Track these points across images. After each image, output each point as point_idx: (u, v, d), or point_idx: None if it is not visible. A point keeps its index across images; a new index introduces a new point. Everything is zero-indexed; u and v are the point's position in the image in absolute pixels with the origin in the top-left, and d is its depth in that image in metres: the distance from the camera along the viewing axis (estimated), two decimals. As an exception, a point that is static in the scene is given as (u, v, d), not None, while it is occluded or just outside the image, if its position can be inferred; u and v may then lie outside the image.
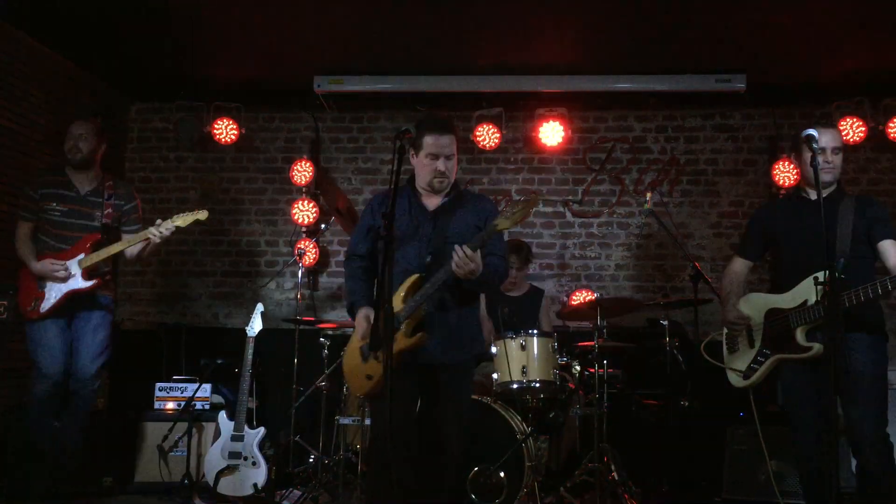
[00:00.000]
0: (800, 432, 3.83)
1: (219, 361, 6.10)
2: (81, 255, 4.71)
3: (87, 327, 4.83)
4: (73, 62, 6.62)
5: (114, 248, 4.71)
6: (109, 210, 4.79)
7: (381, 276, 3.17)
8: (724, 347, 4.11)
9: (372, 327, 3.25)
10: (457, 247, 3.40)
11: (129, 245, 4.71)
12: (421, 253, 3.61)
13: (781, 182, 6.78)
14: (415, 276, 3.56)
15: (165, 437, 5.70)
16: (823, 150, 3.80)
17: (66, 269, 4.67)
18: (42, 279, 4.74)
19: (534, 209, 3.59)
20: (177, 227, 4.68)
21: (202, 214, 4.73)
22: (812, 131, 3.62)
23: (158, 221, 4.65)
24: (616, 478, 5.12)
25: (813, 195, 3.86)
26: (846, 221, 3.78)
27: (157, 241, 4.66)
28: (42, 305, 4.70)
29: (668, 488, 5.51)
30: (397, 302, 3.55)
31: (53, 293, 4.72)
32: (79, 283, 4.70)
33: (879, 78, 6.51)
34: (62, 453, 4.82)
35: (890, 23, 5.65)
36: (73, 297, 4.73)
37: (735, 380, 4.04)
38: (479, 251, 3.41)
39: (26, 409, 5.20)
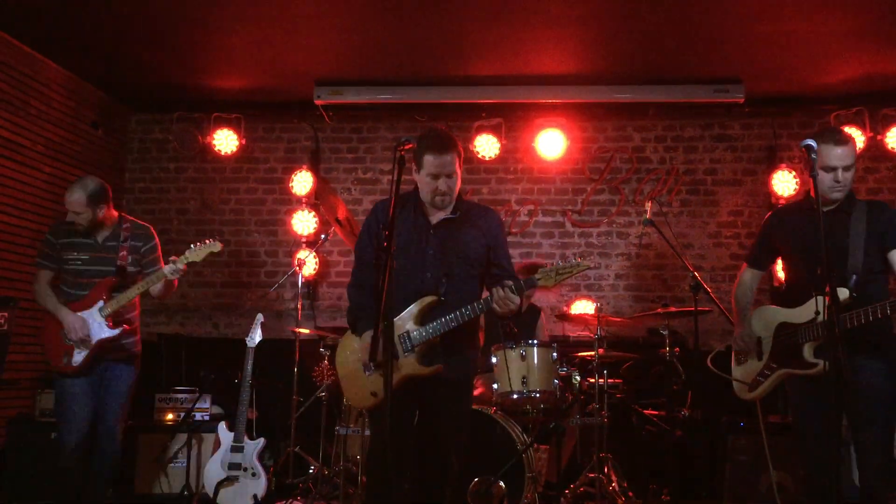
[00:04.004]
0: (806, 445, 3.76)
1: (219, 372, 6.10)
2: (101, 303, 4.53)
3: (116, 379, 4.62)
4: (74, 73, 6.64)
5: (133, 292, 4.58)
6: (124, 252, 4.62)
7: (380, 289, 3.15)
8: (733, 358, 4.08)
9: (372, 341, 3.23)
10: (499, 289, 3.45)
11: (147, 287, 4.57)
12: (425, 267, 3.60)
13: (780, 192, 6.80)
14: (431, 299, 3.56)
15: (165, 449, 5.70)
16: (834, 168, 3.66)
17: (88, 335, 4.48)
18: (60, 329, 4.52)
19: (582, 272, 3.66)
20: (189, 262, 4.57)
21: (216, 247, 4.64)
22: (810, 142, 3.44)
23: (173, 259, 4.55)
24: (616, 488, 5.11)
25: (824, 206, 3.70)
26: (858, 234, 3.67)
27: (173, 278, 4.56)
28: (74, 359, 4.50)
29: (669, 498, 5.49)
30: (409, 320, 3.55)
31: (81, 347, 4.52)
32: (105, 331, 4.51)
33: (877, 88, 6.54)
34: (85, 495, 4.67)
35: (887, 33, 5.68)
36: (102, 347, 4.53)
37: (741, 391, 4.01)
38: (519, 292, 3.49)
39: (27, 423, 5.12)
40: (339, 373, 3.78)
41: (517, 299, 3.48)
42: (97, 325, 4.51)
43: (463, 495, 4.50)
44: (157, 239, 4.83)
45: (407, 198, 3.71)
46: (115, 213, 4.74)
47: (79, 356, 4.50)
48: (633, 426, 5.94)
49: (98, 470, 4.65)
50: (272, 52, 6.25)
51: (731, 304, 4.19)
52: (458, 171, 3.65)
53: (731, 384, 4.07)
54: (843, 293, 3.55)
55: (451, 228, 3.66)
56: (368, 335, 3.30)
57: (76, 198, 4.54)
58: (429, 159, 3.58)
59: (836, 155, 3.67)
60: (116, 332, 4.53)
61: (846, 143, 3.70)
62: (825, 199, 3.73)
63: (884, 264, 3.72)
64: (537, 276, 3.54)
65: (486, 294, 3.63)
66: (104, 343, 4.52)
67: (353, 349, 3.68)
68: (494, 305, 3.47)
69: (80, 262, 4.59)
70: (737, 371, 4.04)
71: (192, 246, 4.63)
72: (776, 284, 6.62)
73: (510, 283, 3.49)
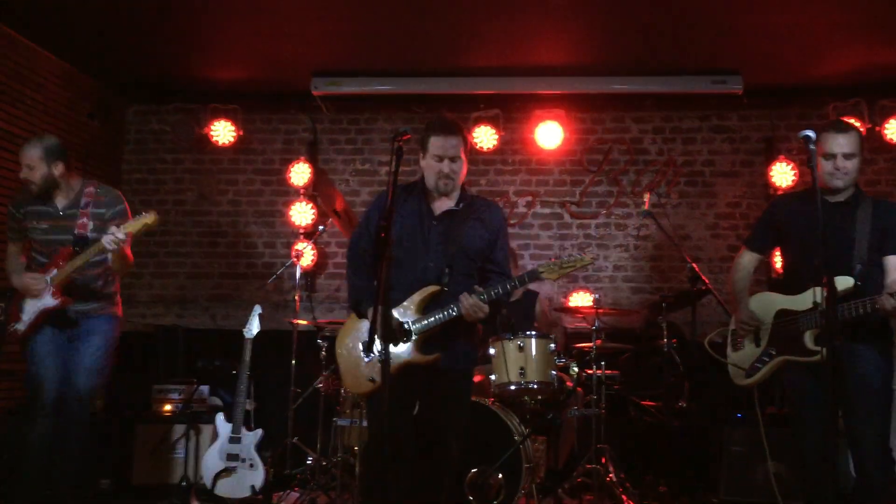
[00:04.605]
0: (803, 435, 3.76)
1: (216, 363, 6.10)
2: (54, 271, 4.41)
3: (84, 346, 4.49)
4: (70, 64, 6.62)
5: (77, 261, 4.35)
6: (84, 220, 4.45)
7: (378, 277, 3.15)
8: (729, 344, 4.07)
9: (370, 329, 3.23)
10: (465, 296, 3.47)
11: (88, 258, 4.36)
12: (427, 257, 3.62)
13: (778, 183, 6.80)
14: (434, 288, 3.57)
15: (163, 440, 5.70)
16: (834, 155, 3.67)
17: (45, 282, 4.39)
18: (23, 298, 4.47)
19: (585, 267, 3.67)
20: (126, 235, 4.25)
21: (150, 218, 4.33)
22: (809, 132, 3.42)
23: (112, 229, 4.27)
24: (614, 479, 5.12)
25: (830, 197, 3.75)
26: (864, 227, 3.68)
27: (111, 249, 4.26)
28: (20, 326, 4.45)
29: (666, 489, 5.51)
30: (410, 308, 3.56)
31: (27, 313, 4.45)
32: (48, 301, 4.39)
33: (876, 79, 6.53)
34: (56, 467, 4.48)
35: (886, 24, 5.67)
36: (50, 315, 4.42)
37: (737, 376, 4.00)
38: (488, 298, 3.50)
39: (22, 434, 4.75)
40: (339, 359, 3.79)
41: (486, 308, 3.50)
42: (46, 293, 4.41)
43: (460, 486, 4.51)
44: (125, 205, 4.59)
45: (412, 187, 3.75)
46: (77, 178, 4.60)
47: (21, 325, 4.42)
48: (631, 417, 5.96)
49: (64, 446, 4.43)
50: (270, 42, 6.23)
51: (728, 292, 4.18)
52: (464, 158, 3.68)
53: (729, 377, 4.06)
54: (848, 282, 3.57)
55: (453, 219, 3.68)
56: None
57: (30, 151, 4.44)
58: (434, 141, 3.62)
59: (836, 142, 3.68)
60: (55, 302, 4.38)
61: (847, 132, 3.72)
62: (827, 187, 3.74)
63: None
64: (540, 269, 3.56)
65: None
66: (46, 312, 4.41)
67: (353, 336, 3.70)
68: (462, 311, 3.49)
69: (40, 231, 4.50)
70: (733, 357, 4.03)
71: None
72: (774, 276, 6.62)
73: (480, 289, 3.51)
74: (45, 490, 4.45)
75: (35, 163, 4.46)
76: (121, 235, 4.21)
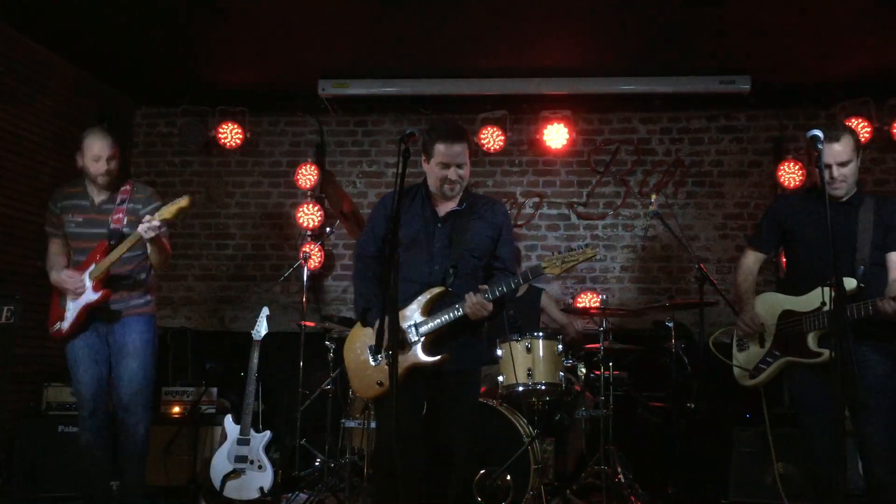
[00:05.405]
0: (810, 436, 3.76)
1: (225, 365, 6.12)
2: (92, 266, 4.34)
3: (125, 350, 4.40)
4: (79, 67, 6.64)
5: (115, 254, 4.27)
6: (120, 215, 4.39)
7: (385, 280, 3.16)
8: (734, 344, 4.07)
9: (377, 331, 3.24)
10: (470, 295, 3.46)
11: (126, 248, 4.27)
12: (433, 259, 3.62)
13: (787, 183, 6.78)
14: (440, 289, 3.57)
15: (171, 441, 5.71)
16: (829, 166, 3.67)
17: (82, 282, 4.33)
18: (63, 296, 4.41)
19: (588, 260, 3.64)
20: (163, 220, 4.20)
21: (184, 202, 4.21)
22: (817, 132, 3.43)
23: (147, 217, 4.21)
24: (622, 480, 5.11)
25: (831, 198, 3.71)
26: (866, 226, 3.68)
27: (147, 237, 4.18)
28: (63, 325, 4.37)
29: (675, 490, 5.49)
30: (416, 310, 3.57)
31: (70, 311, 4.37)
32: (89, 296, 4.31)
33: (884, 78, 6.50)
34: (125, 474, 4.52)
35: (894, 23, 5.64)
36: (93, 312, 4.36)
37: (742, 378, 4.01)
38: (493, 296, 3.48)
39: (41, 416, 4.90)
40: (347, 363, 3.79)
41: (490, 306, 3.48)
42: (87, 289, 4.33)
43: (469, 487, 4.50)
44: (161, 203, 4.42)
45: (415, 190, 3.74)
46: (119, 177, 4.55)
47: (65, 323, 4.36)
48: (639, 418, 5.95)
49: (127, 450, 4.42)
50: (277, 45, 6.25)
51: (734, 291, 4.17)
52: (468, 162, 3.67)
53: (737, 376, 4.07)
54: (851, 283, 3.56)
55: (458, 220, 3.68)
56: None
57: (109, 142, 4.39)
58: (440, 148, 3.59)
59: (828, 152, 3.65)
60: (97, 296, 4.31)
61: (838, 140, 3.69)
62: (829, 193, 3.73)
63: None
64: (543, 263, 3.55)
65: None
66: (89, 308, 4.33)
67: (361, 340, 3.70)
68: (467, 310, 3.48)
69: (74, 225, 4.44)
70: (738, 357, 4.04)
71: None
72: (782, 277, 6.60)
73: (485, 287, 3.51)
74: (109, 495, 4.49)
75: (116, 156, 4.46)
76: (156, 222, 4.16)
